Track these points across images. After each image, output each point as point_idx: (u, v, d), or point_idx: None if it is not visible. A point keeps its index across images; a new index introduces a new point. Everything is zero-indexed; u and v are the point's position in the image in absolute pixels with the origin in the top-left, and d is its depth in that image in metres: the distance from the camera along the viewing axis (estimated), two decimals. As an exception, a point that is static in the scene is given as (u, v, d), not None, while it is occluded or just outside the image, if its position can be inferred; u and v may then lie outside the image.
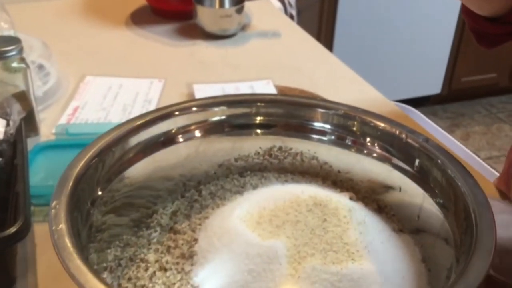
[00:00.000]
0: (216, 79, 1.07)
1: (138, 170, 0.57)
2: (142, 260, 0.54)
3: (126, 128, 0.54)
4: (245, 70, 1.11)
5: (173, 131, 0.59)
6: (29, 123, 0.86)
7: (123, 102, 1.01)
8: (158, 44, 1.23)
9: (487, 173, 0.91)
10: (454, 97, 2.97)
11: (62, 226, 0.42)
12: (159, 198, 0.61)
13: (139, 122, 0.56)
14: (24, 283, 0.60)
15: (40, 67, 1.03)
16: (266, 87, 1.03)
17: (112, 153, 0.53)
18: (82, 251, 0.42)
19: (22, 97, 0.84)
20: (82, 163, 0.49)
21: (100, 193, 0.51)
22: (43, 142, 0.85)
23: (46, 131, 0.90)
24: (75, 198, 0.46)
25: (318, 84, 1.04)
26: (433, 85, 2.86)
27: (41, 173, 0.78)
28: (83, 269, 0.39)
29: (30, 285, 0.60)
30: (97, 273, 0.39)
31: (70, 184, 0.46)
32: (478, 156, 2.51)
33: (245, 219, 0.53)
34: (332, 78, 1.10)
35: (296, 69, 1.12)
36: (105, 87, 1.06)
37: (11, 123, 0.73)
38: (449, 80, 2.85)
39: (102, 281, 0.38)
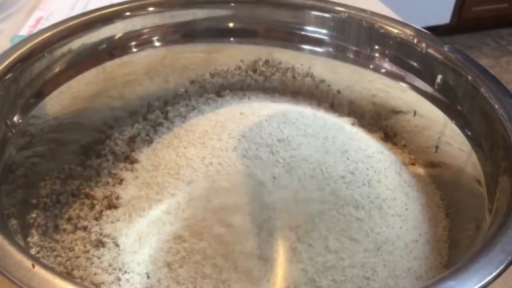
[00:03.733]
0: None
1: (81, 86, 0.45)
2: (87, 195, 0.43)
3: (58, 30, 0.41)
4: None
5: (123, 36, 0.46)
6: (-19, 34, 0.74)
7: (93, 15, 0.87)
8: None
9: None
10: (463, 27, 2.80)
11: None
12: (117, 120, 0.49)
13: (76, 22, 0.42)
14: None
15: (-3, -30, 0.89)
16: None
17: (41, 61, 0.40)
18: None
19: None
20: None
21: (22, 116, 0.39)
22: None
23: (3, 44, 0.78)
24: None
25: None
26: (442, 15, 2.68)
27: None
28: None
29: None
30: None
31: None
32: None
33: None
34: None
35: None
36: (75, -4, 0.92)
37: None
38: (459, 9, 2.67)
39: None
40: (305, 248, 0.36)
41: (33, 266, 0.26)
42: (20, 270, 0.26)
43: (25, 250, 0.27)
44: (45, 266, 0.26)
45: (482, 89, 0.40)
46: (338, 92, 0.51)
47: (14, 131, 0.38)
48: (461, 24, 2.74)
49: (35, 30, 0.82)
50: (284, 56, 0.51)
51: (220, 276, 0.36)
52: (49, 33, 0.41)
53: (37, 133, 0.41)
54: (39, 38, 0.41)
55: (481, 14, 2.73)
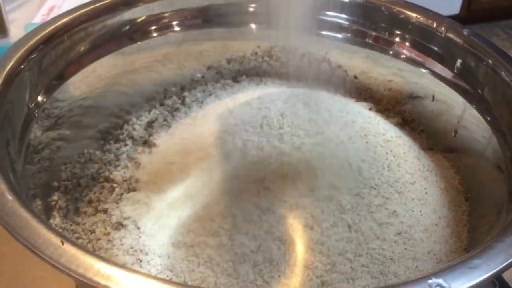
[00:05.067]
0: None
1: (102, 69, 0.45)
2: (107, 179, 0.43)
3: (79, 14, 0.41)
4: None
5: (143, 20, 0.46)
6: (-4, 23, 0.74)
7: (105, 3, 0.87)
8: None
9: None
10: (472, 18, 2.77)
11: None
12: (134, 106, 0.50)
13: (97, 6, 0.42)
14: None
15: (12, -41, 0.89)
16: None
17: (62, 44, 0.40)
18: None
19: (-15, -7, 0.71)
20: (13, 61, 0.36)
21: (45, 98, 0.39)
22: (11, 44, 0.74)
23: (17, 32, 0.78)
24: (5, 108, 0.34)
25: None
26: (451, 5, 2.65)
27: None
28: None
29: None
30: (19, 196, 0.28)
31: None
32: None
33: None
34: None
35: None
36: (86, -15, 0.92)
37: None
38: (468, 0, 2.64)
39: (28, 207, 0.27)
40: (324, 231, 0.36)
41: (62, 243, 0.26)
42: (49, 247, 0.26)
43: (53, 228, 0.27)
44: (74, 243, 0.26)
45: (503, 73, 0.40)
46: (355, 77, 0.51)
47: (37, 112, 0.38)
48: (471, 15, 2.71)
49: (48, 19, 0.82)
50: (300, 41, 0.51)
51: (239, 259, 0.36)
52: (69, 17, 0.42)
53: (60, 116, 0.41)
54: (60, 22, 0.41)
55: (490, 5, 2.70)
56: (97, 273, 0.25)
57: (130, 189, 0.42)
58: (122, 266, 0.26)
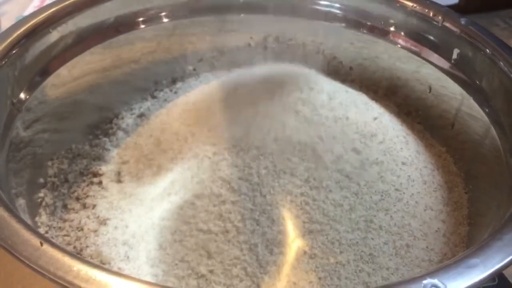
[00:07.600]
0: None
1: (89, 62, 0.44)
2: (95, 174, 0.42)
3: (64, 6, 0.40)
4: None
5: (131, 11, 0.44)
6: (-14, 15, 0.73)
7: (98, -6, 0.86)
8: None
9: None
10: (472, 8, 2.74)
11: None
12: (124, 99, 0.48)
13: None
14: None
15: (1, -50, 0.87)
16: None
17: (46, 37, 0.39)
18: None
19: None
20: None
21: (29, 92, 0.38)
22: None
23: (9, 25, 0.77)
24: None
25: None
26: (451, -5, 2.63)
27: None
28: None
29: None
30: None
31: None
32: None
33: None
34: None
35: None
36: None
37: None
38: (468, -11, 2.62)
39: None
40: (320, 226, 0.35)
41: (41, 244, 0.25)
42: (28, 248, 0.25)
43: (32, 228, 0.26)
44: (53, 244, 0.25)
45: (501, 63, 0.39)
46: (351, 68, 0.50)
47: (21, 109, 0.37)
48: (470, 4, 2.69)
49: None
50: (294, 31, 0.50)
51: (231, 250, 0.35)
52: (54, 9, 0.40)
53: (44, 112, 0.40)
54: (44, 14, 0.40)
55: (490, -6, 2.68)
56: (77, 275, 0.24)
57: (119, 184, 0.41)
58: (103, 268, 0.25)
